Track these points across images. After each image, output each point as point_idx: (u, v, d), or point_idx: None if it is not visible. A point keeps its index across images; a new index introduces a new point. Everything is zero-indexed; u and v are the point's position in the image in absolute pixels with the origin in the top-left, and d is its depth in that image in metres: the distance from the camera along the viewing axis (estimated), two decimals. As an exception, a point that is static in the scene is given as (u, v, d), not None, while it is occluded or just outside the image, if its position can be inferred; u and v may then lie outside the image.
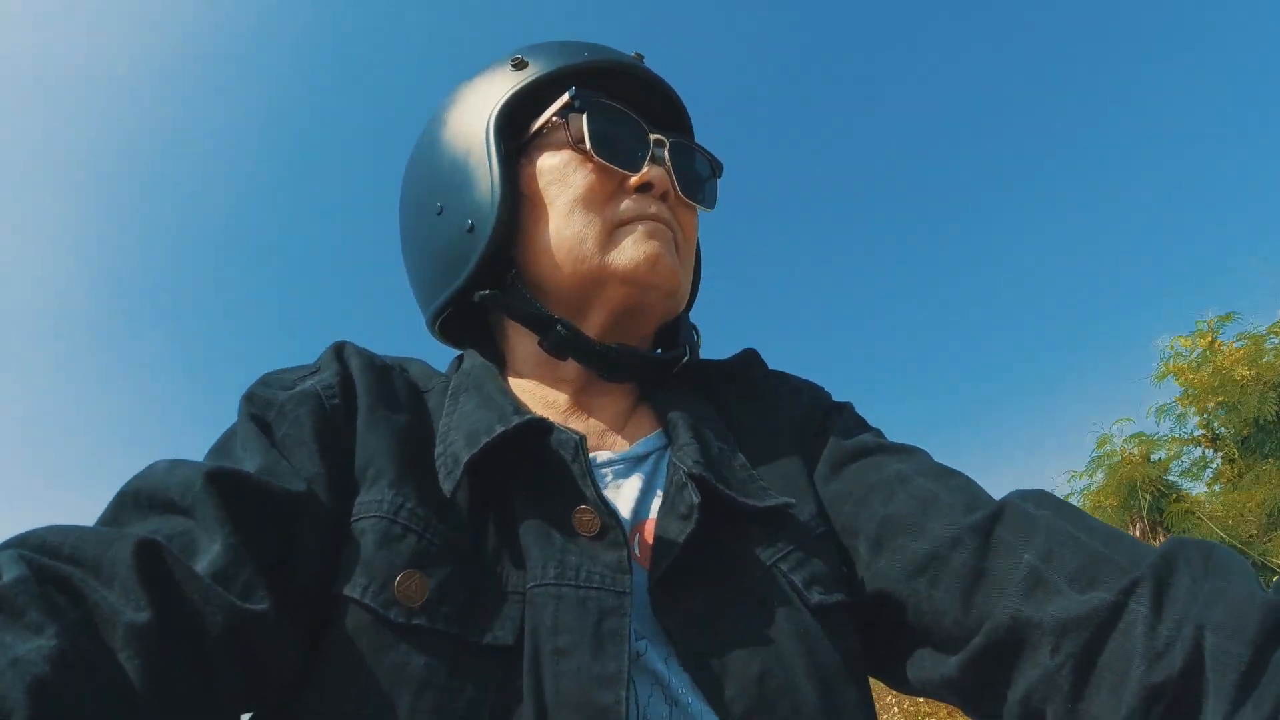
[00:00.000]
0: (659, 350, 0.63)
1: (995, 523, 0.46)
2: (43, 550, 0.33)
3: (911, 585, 0.46)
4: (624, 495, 0.51)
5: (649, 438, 0.55)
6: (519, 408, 0.48)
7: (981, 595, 0.43)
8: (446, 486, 0.45)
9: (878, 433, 0.59)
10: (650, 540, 0.46)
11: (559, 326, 0.54)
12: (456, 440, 0.47)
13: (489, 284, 0.56)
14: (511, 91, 0.56)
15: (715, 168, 0.63)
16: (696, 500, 0.46)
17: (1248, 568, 0.38)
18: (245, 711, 0.38)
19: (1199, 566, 0.38)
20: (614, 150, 0.55)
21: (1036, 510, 0.46)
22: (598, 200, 0.54)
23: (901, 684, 0.51)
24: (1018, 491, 0.49)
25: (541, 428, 0.46)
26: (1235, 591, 0.36)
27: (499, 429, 0.45)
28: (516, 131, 0.57)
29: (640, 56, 0.62)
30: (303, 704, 0.39)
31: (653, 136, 0.56)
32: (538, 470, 0.46)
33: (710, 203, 0.62)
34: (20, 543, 0.33)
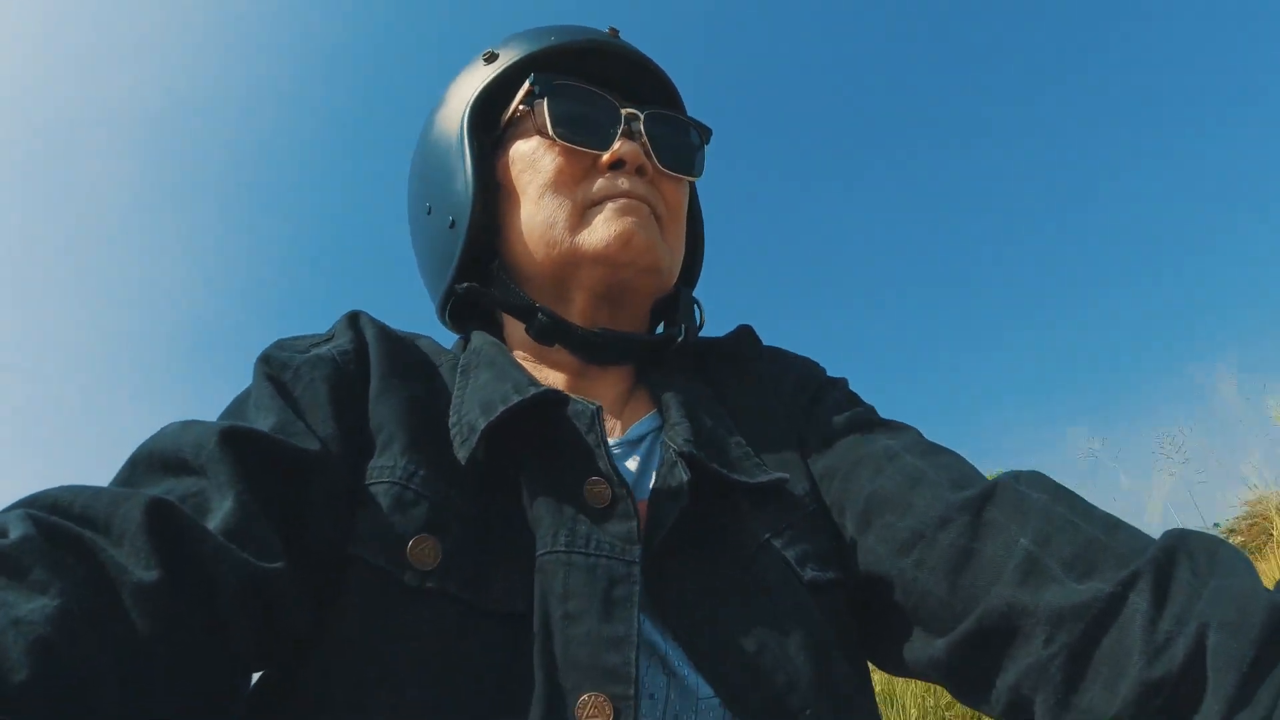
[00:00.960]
0: (660, 328, 0.63)
1: (986, 502, 0.45)
2: (53, 509, 0.33)
3: (898, 564, 0.46)
4: None
5: (644, 419, 0.55)
6: (533, 380, 0.49)
7: (971, 578, 0.43)
8: (462, 454, 0.45)
9: (870, 409, 0.58)
10: (645, 518, 0.47)
11: (540, 314, 0.55)
12: (472, 410, 0.47)
13: (476, 276, 0.58)
14: (481, 86, 0.57)
15: (702, 135, 0.61)
16: (686, 478, 0.46)
17: (1250, 564, 0.37)
18: (256, 670, 0.39)
19: (1201, 561, 0.37)
20: (580, 130, 0.54)
21: (1031, 492, 0.45)
22: (568, 182, 0.54)
23: (890, 664, 0.50)
24: (1010, 472, 0.48)
25: (558, 399, 0.47)
26: (1238, 589, 0.35)
27: (516, 398, 0.46)
28: (491, 124, 0.58)
29: (615, 31, 0.61)
30: (312, 665, 0.39)
31: (624, 111, 0.55)
32: (552, 441, 0.46)
33: (695, 171, 0.60)
34: (30, 502, 0.33)
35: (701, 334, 0.63)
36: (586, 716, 0.37)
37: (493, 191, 0.56)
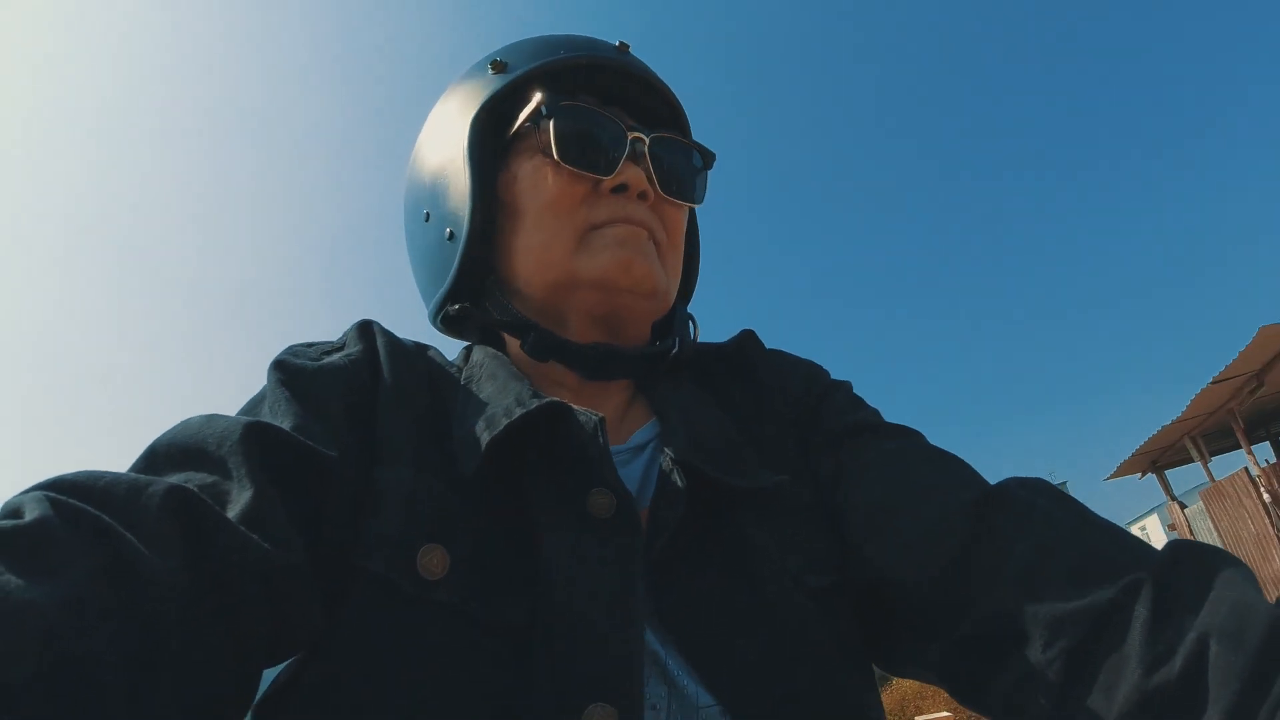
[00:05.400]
0: (657, 343, 0.62)
1: (990, 508, 0.45)
2: (72, 493, 0.32)
3: (901, 567, 0.46)
4: None
5: (644, 429, 0.55)
6: (536, 392, 0.49)
7: (972, 582, 0.43)
8: (467, 467, 0.45)
9: (874, 412, 0.59)
10: (646, 526, 0.47)
11: (533, 333, 0.55)
12: (476, 422, 0.47)
13: (471, 289, 0.57)
14: (487, 97, 0.56)
15: (706, 159, 0.61)
16: (683, 485, 0.46)
17: (1252, 577, 0.37)
18: (266, 665, 0.38)
19: (1203, 572, 0.37)
20: (585, 153, 0.54)
21: (1035, 499, 0.45)
22: (569, 205, 0.54)
23: (889, 665, 0.51)
24: (1014, 478, 0.48)
25: (562, 410, 0.46)
26: (1240, 601, 0.35)
27: (519, 411, 0.46)
28: (497, 134, 0.57)
29: (625, 46, 0.60)
30: (318, 674, 0.39)
31: (631, 135, 0.55)
32: (555, 452, 0.46)
33: (697, 198, 0.60)
34: (50, 485, 0.33)
35: (704, 341, 0.63)
36: None
37: (492, 206, 0.56)
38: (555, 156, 0.53)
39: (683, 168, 0.59)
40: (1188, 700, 0.34)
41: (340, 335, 0.55)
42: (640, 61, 0.60)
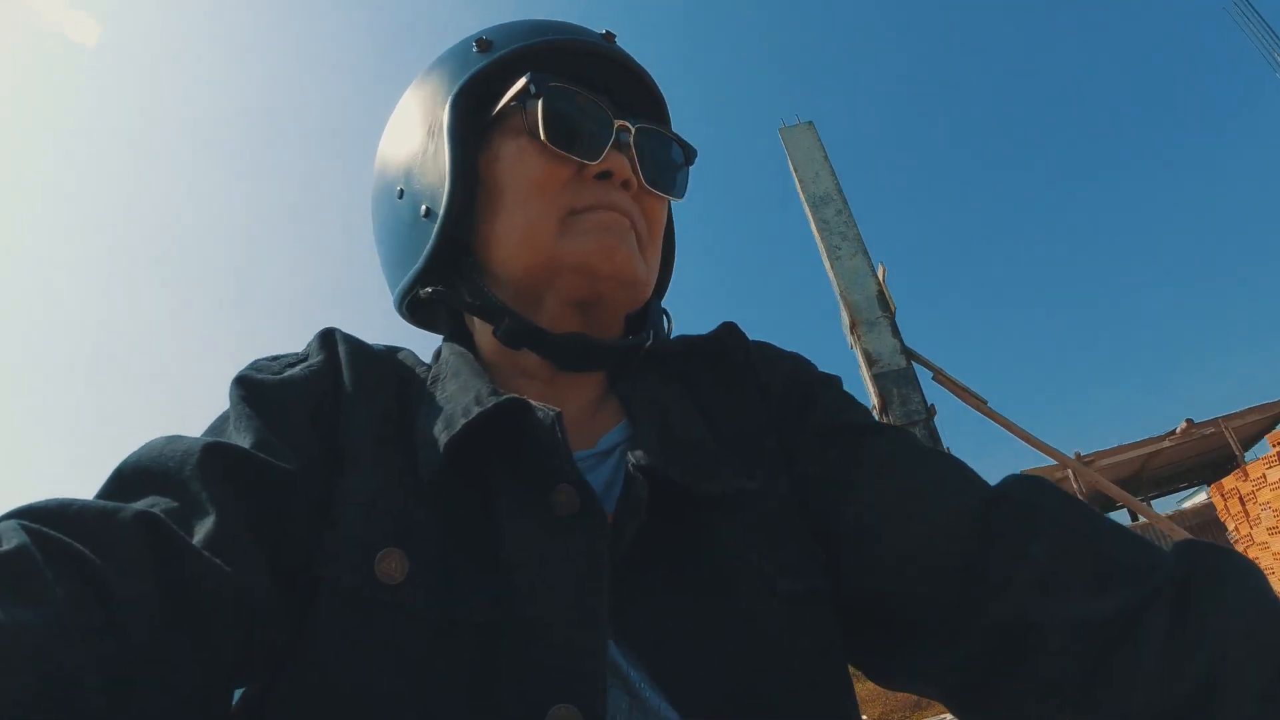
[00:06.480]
0: (630, 336, 0.61)
1: (993, 510, 0.44)
2: (44, 520, 0.33)
3: (900, 575, 0.45)
4: None
5: (613, 431, 0.54)
6: (495, 390, 0.48)
7: (982, 589, 0.42)
8: (426, 469, 0.45)
9: (865, 411, 0.58)
10: (610, 533, 0.45)
11: (507, 318, 0.53)
12: (436, 424, 0.47)
13: (446, 270, 0.56)
14: (470, 74, 0.54)
15: (687, 154, 0.61)
16: (644, 494, 0.45)
17: (1266, 583, 0.37)
18: (239, 685, 0.39)
19: (1220, 578, 0.37)
20: (572, 137, 0.53)
21: (1039, 500, 0.44)
22: (553, 188, 0.52)
23: (882, 677, 0.50)
24: (1014, 478, 0.47)
25: (519, 406, 0.46)
26: (1258, 608, 0.35)
27: (476, 410, 0.45)
28: (478, 114, 0.56)
29: (611, 36, 0.59)
30: (287, 685, 0.39)
31: (617, 123, 0.54)
32: (516, 450, 0.46)
33: (679, 192, 0.60)
34: (23, 513, 0.33)
35: (684, 334, 0.62)
36: None
37: (472, 184, 0.54)
38: (542, 137, 0.52)
39: (665, 160, 0.58)
40: (1205, 710, 0.33)
41: (304, 346, 0.55)
42: (625, 52, 0.59)
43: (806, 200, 6.09)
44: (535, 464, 0.45)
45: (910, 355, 5.24)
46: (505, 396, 0.46)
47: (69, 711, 0.27)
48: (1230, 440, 11.10)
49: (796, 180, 6.23)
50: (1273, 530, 8.08)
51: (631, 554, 0.44)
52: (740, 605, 0.44)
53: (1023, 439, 4.94)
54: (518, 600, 0.40)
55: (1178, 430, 11.45)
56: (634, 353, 0.57)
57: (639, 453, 0.47)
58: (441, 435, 0.45)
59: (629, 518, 0.44)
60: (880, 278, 5.56)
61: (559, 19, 0.60)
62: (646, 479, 0.45)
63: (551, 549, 0.42)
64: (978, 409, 5.04)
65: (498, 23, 0.59)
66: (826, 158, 6.22)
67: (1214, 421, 11.34)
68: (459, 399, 0.48)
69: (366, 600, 0.40)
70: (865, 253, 5.71)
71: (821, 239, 5.86)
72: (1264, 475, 8.08)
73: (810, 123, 6.46)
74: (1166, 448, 11.81)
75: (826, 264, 5.81)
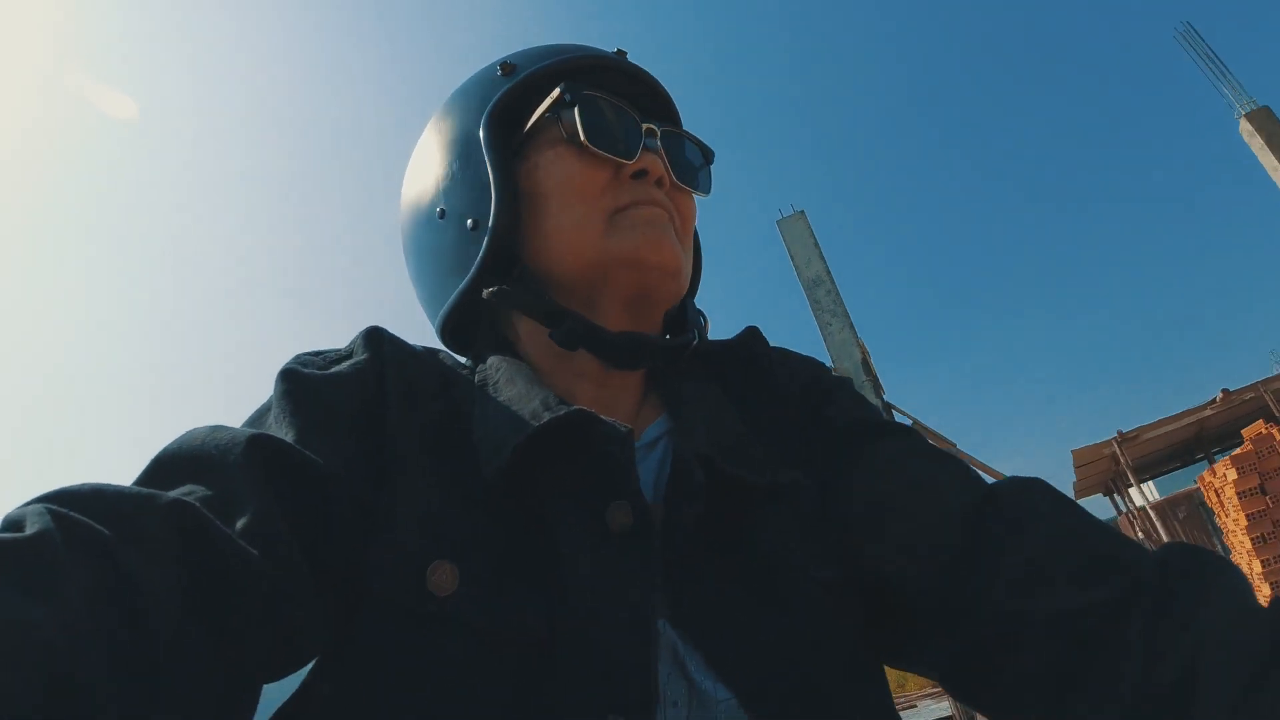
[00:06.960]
0: (668, 335, 0.62)
1: (990, 508, 0.46)
2: (75, 505, 0.31)
3: (901, 567, 0.47)
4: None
5: (656, 423, 0.56)
6: (561, 399, 0.48)
7: (973, 583, 0.44)
8: (489, 470, 0.45)
9: (876, 411, 0.60)
10: (661, 522, 0.46)
11: (568, 319, 0.53)
12: (500, 425, 0.47)
13: (495, 282, 0.55)
14: (502, 91, 0.56)
15: (707, 155, 0.63)
16: (703, 480, 0.46)
17: (1247, 582, 0.39)
18: (267, 680, 0.38)
19: (1202, 576, 0.39)
20: (608, 140, 0.55)
21: (1033, 500, 0.46)
22: (595, 189, 0.54)
23: (894, 661, 0.52)
24: (1012, 478, 0.49)
25: (589, 419, 0.46)
26: (1238, 606, 0.36)
27: (548, 415, 0.45)
28: (509, 133, 0.58)
29: (623, 53, 0.62)
30: (327, 693, 0.40)
31: (645, 126, 0.56)
32: (577, 462, 0.46)
33: (705, 188, 0.62)
34: (54, 497, 0.32)
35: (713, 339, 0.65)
36: None
37: (514, 197, 0.55)
38: (583, 139, 0.54)
39: (689, 160, 0.61)
40: (1184, 702, 0.35)
41: (348, 343, 0.55)
42: (638, 65, 0.63)
43: (802, 283, 7.24)
44: (595, 478, 0.45)
45: (890, 407, 6.60)
46: (574, 408, 0.46)
47: (76, 715, 0.25)
48: (1270, 403, 11.56)
49: (794, 266, 7.41)
50: (1238, 523, 7.46)
51: (684, 543, 0.45)
52: (783, 591, 0.46)
53: (987, 472, 6.29)
54: (570, 615, 0.41)
55: (1216, 399, 12.00)
56: (683, 350, 0.58)
57: (691, 443, 0.49)
58: (511, 436, 0.45)
59: (686, 506, 0.46)
60: (863, 351, 6.90)
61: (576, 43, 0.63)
62: (702, 468, 0.47)
63: (605, 564, 0.42)
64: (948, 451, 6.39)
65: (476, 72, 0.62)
66: (817, 244, 7.39)
67: (1253, 386, 11.80)
68: (523, 404, 0.48)
69: (416, 611, 0.40)
70: (851, 327, 6.79)
71: (816, 316, 7.03)
72: (1225, 475, 7.66)
73: (802, 212, 7.73)
74: (1209, 415, 12.35)
75: (822, 337, 7.17)
